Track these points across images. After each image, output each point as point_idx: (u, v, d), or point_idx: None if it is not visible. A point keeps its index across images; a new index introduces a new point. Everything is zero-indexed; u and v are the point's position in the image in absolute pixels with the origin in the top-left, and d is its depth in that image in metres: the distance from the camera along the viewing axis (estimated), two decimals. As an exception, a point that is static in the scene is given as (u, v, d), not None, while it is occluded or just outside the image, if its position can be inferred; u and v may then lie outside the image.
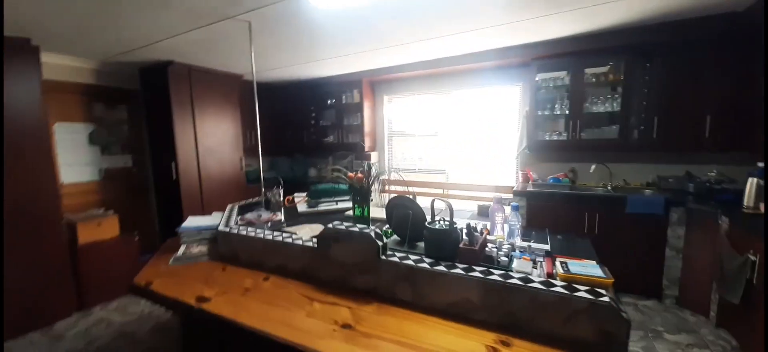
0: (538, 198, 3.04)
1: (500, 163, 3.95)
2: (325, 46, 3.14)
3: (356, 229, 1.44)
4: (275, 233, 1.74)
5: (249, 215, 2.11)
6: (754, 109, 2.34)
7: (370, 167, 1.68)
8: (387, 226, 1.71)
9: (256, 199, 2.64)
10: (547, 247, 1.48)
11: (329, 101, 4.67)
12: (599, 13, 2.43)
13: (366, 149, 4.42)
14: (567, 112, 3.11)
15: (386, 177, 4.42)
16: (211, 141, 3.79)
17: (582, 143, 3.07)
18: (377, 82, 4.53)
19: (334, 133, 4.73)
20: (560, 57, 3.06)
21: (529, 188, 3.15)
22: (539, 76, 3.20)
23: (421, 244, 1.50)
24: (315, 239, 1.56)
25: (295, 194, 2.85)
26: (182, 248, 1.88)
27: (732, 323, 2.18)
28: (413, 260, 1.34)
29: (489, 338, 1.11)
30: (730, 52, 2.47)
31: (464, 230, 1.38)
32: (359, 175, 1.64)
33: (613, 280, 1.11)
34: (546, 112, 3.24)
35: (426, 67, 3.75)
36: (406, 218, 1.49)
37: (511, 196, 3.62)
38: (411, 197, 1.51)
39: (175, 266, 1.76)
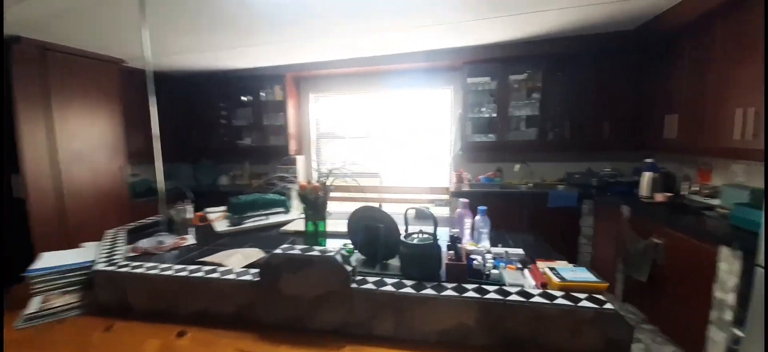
0: (475, 198, 3.10)
1: (433, 164, 3.98)
2: (240, 32, 2.66)
3: (315, 252, 1.13)
4: (190, 266, 1.28)
5: (144, 243, 1.56)
6: (643, 113, 2.79)
7: (327, 174, 1.37)
8: (345, 243, 1.42)
9: (151, 219, 2.03)
10: (521, 251, 1.41)
11: (244, 98, 4.06)
12: (522, 23, 2.59)
13: (291, 152, 3.97)
14: (495, 115, 3.27)
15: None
16: (80, 144, 2.87)
17: (508, 144, 3.27)
18: (303, 79, 4.13)
19: (251, 135, 4.13)
20: (488, 62, 3.20)
21: (465, 188, 3.21)
22: (470, 80, 3.29)
23: (393, 262, 1.26)
24: (254, 269, 1.18)
25: (207, 210, 2.30)
26: (36, 301, 1.26)
27: (637, 298, 2.53)
28: (392, 285, 1.09)
29: (496, 369, 0.94)
30: (624, 65, 2.90)
31: (447, 242, 1.20)
32: (315, 183, 1.31)
33: (607, 284, 1.06)
34: (477, 115, 3.36)
35: (356, 65, 3.55)
36: (374, 233, 1.23)
37: (446, 197, 3.66)
38: (377, 206, 1.26)
39: (25, 328, 1.15)
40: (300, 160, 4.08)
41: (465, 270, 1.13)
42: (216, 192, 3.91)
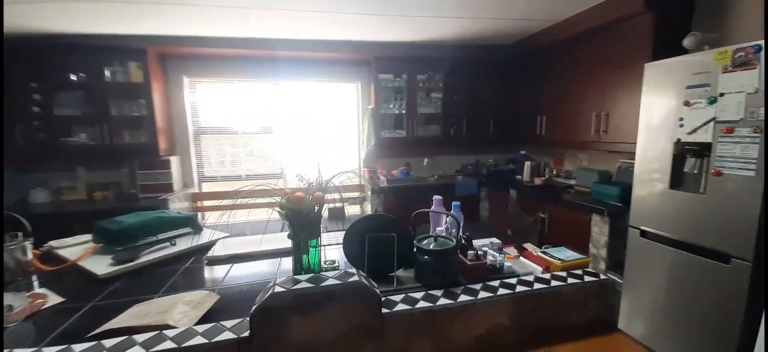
0: (396, 192, 3.16)
1: (343, 161, 3.82)
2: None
3: (333, 280, 0.87)
4: (81, 348, 0.79)
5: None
6: (515, 113, 3.43)
7: (323, 180, 1.07)
8: (326, 262, 1.18)
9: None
10: (497, 239, 1.49)
11: (73, 76, 2.88)
12: (426, 26, 2.79)
13: (161, 153, 3.06)
14: (404, 111, 3.39)
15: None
16: None
17: (417, 140, 3.45)
18: (172, 57, 3.23)
19: (86, 130, 2.97)
20: (398, 60, 3.28)
21: (383, 184, 3.21)
22: (381, 76, 3.30)
23: (399, 273, 1.11)
24: (220, 324, 0.83)
25: (51, 244, 1.54)
26: None
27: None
28: (423, 300, 0.96)
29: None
30: (504, 73, 3.48)
31: (462, 240, 1.14)
32: (300, 193, 1.00)
33: (590, 258, 1.23)
34: (387, 111, 3.40)
35: (246, 47, 3.03)
36: (382, 244, 1.05)
37: (357, 194, 3.58)
38: (382, 213, 1.08)
39: None
40: (174, 162, 3.20)
41: (485, 268, 1.09)
42: (35, 214, 2.64)
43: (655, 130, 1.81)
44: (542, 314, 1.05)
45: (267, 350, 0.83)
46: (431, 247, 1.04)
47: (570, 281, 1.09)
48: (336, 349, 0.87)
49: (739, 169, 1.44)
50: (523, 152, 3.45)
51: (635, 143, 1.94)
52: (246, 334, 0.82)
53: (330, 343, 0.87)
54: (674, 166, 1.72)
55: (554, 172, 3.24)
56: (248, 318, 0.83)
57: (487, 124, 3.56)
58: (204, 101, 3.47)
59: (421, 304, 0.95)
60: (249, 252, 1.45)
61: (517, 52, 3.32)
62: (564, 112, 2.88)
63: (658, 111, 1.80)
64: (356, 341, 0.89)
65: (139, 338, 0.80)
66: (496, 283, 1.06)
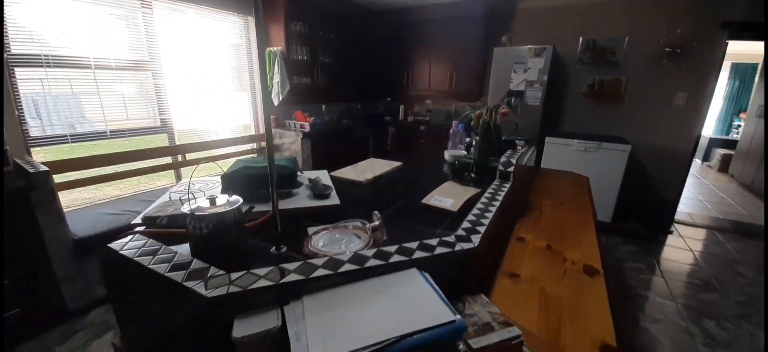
0: (319, 137, 3.43)
1: (236, 110, 3.42)
2: None
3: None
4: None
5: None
6: (387, 69, 4.46)
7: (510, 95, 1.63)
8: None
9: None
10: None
11: None
12: None
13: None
14: (308, 58, 3.56)
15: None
16: None
17: (319, 88, 3.75)
18: None
19: None
20: (304, 8, 3.36)
21: (307, 129, 3.37)
22: (293, 22, 3.28)
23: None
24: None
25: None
26: None
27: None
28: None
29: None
30: (384, 35, 4.32)
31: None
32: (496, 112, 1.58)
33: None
34: (297, 58, 3.44)
35: None
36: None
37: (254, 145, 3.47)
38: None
39: None
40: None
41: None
42: None
43: (498, 86, 3.45)
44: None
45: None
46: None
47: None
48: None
49: (534, 101, 3.26)
50: (388, 99, 4.59)
51: (481, 94, 3.55)
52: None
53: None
54: (508, 106, 3.44)
55: (411, 113, 4.64)
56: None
57: (367, 77, 4.36)
58: (22, 14, 2.06)
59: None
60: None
61: (394, 20, 4.25)
62: (425, 70, 4.22)
63: (501, 74, 3.42)
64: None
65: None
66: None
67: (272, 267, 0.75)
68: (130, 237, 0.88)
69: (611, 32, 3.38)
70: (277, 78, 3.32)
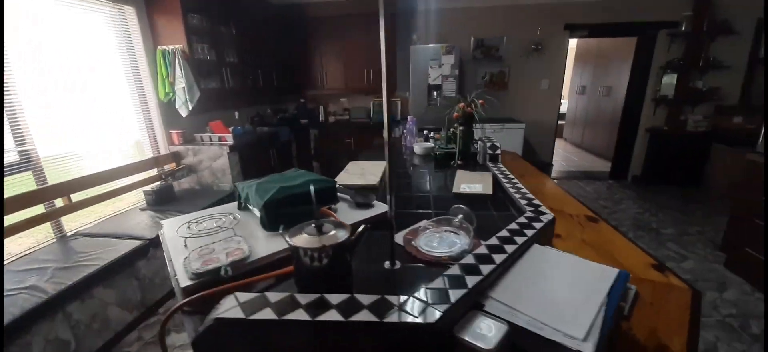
0: (245, 148, 3.00)
1: (123, 125, 2.65)
2: None
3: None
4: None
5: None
6: (302, 67, 4.20)
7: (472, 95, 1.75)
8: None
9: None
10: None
11: None
12: None
13: None
14: (216, 59, 3.05)
15: None
16: None
17: (231, 92, 3.27)
18: None
19: None
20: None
21: (231, 142, 2.90)
22: (192, 15, 2.73)
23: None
24: None
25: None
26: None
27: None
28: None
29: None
30: (290, 32, 4.00)
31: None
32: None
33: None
34: (202, 57, 2.89)
35: None
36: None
37: (168, 166, 2.86)
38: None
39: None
40: None
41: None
42: None
43: (418, 82, 3.73)
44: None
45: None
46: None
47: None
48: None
49: (449, 93, 3.67)
50: (302, 100, 4.34)
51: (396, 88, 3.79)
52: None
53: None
54: (428, 98, 3.75)
55: (329, 112, 4.52)
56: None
57: (272, 77, 3.99)
58: None
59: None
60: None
61: (297, 16, 3.99)
62: (341, 68, 4.17)
63: (420, 70, 3.70)
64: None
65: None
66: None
67: (445, 276, 0.69)
68: (224, 299, 0.64)
69: (495, 32, 4.09)
70: (181, 83, 2.72)
